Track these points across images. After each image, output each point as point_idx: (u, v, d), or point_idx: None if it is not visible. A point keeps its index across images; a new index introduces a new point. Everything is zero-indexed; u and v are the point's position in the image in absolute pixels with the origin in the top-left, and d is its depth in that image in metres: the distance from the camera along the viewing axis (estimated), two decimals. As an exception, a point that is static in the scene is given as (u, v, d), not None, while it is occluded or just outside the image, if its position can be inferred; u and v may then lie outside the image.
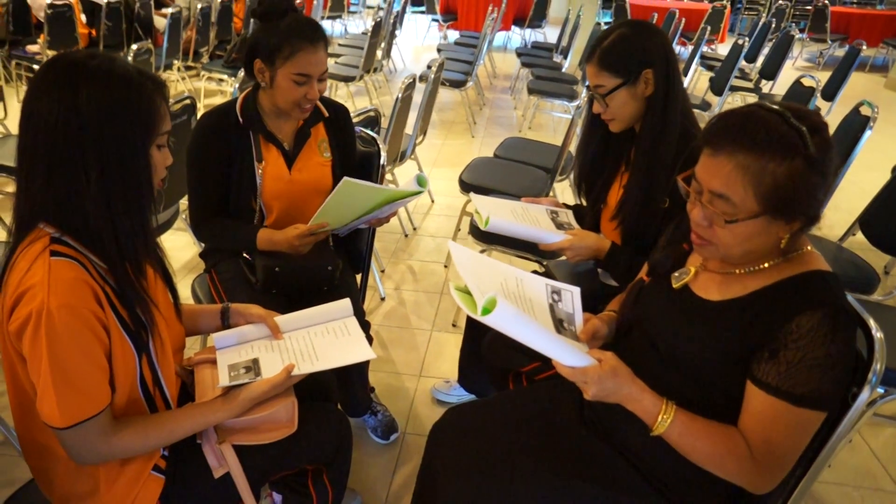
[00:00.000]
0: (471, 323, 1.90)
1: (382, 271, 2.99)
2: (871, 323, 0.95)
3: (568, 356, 0.99)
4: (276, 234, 1.61)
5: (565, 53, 6.27)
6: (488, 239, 2.37)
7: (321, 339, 1.28)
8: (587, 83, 1.51)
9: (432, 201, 3.81)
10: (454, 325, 2.57)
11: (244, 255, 1.68)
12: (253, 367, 1.18)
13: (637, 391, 1.00)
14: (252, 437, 1.14)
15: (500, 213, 1.53)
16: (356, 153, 1.85)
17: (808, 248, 1.00)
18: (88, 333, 0.91)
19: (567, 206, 1.74)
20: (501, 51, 9.27)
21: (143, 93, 0.94)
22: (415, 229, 3.45)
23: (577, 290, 1.15)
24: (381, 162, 1.89)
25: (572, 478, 1.09)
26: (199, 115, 1.84)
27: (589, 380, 0.98)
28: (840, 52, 8.50)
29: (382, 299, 2.75)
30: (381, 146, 1.89)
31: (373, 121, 2.38)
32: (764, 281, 0.99)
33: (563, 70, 5.90)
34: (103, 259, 0.97)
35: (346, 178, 1.47)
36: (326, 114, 1.73)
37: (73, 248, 0.94)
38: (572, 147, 3.01)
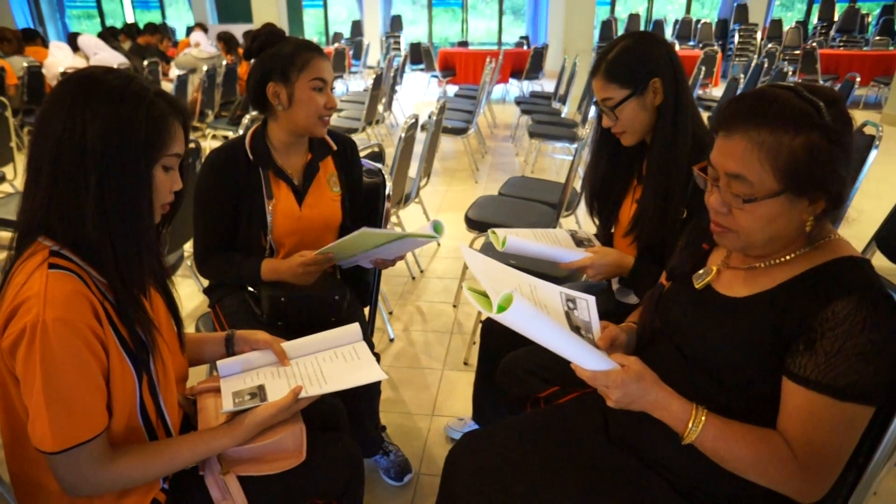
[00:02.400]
0: (484, 355, 1.84)
1: (391, 313, 2.94)
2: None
3: (589, 358, 0.94)
4: (281, 263, 1.57)
5: (563, 100, 6.39)
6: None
7: (330, 363, 1.22)
8: (594, 99, 1.50)
9: (438, 244, 3.79)
10: (466, 364, 2.49)
11: (249, 288, 1.64)
12: (258, 392, 1.12)
13: (664, 396, 0.94)
14: (258, 467, 1.07)
15: (519, 235, 1.50)
16: (363, 187, 1.83)
17: (836, 236, 0.95)
18: (85, 351, 0.87)
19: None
20: (500, 103, 9.47)
21: (152, 111, 0.92)
22: (422, 272, 3.41)
23: (592, 299, 1.09)
24: (387, 192, 1.87)
25: (600, 495, 1.01)
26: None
27: (612, 384, 0.92)
28: (833, 91, 8.65)
29: (391, 340, 2.69)
30: (385, 176, 1.88)
31: (376, 156, 2.39)
32: (792, 271, 0.94)
33: (563, 115, 6.00)
34: (103, 274, 0.93)
35: (364, 228, 1.45)
36: (335, 147, 1.72)
37: (72, 261, 0.90)
38: (576, 183, 3.02)
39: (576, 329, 1.04)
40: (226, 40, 6.96)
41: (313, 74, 1.52)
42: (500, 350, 1.70)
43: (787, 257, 0.95)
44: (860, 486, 0.92)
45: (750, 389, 0.94)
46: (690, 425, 0.91)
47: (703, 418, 0.91)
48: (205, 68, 5.86)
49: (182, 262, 2.57)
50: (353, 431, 1.70)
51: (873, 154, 2.48)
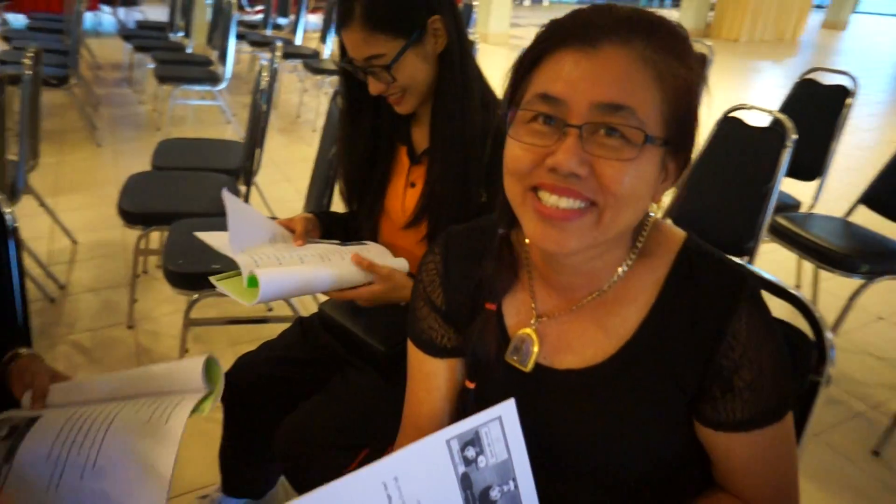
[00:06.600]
0: (232, 409, 1.33)
1: (34, 364, 2.05)
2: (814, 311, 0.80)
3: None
4: None
5: (186, 32, 5.41)
6: (199, 284, 1.74)
7: None
8: (346, 59, 1.07)
9: (74, 242, 2.81)
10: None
11: None
12: None
13: None
14: None
15: (265, 261, 1.02)
16: None
17: (653, 216, 0.72)
18: None
19: (327, 214, 1.31)
20: (94, 37, 7.65)
21: None
22: (62, 288, 2.48)
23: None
24: None
25: None
26: None
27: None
28: None
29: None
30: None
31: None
32: (642, 296, 0.69)
33: (189, 51, 5.08)
34: None
35: None
36: None
37: None
38: (231, 135, 2.48)
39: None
40: None
41: None
42: (255, 396, 1.25)
43: (619, 271, 0.69)
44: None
45: (672, 477, 0.72)
46: None
47: None
48: None
49: None
50: None
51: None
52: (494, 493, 0.63)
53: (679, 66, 0.60)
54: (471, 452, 0.61)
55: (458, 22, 1.08)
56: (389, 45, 1.02)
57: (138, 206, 2.08)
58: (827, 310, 2.57)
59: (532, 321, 0.74)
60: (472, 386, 0.76)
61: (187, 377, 0.78)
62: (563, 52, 0.60)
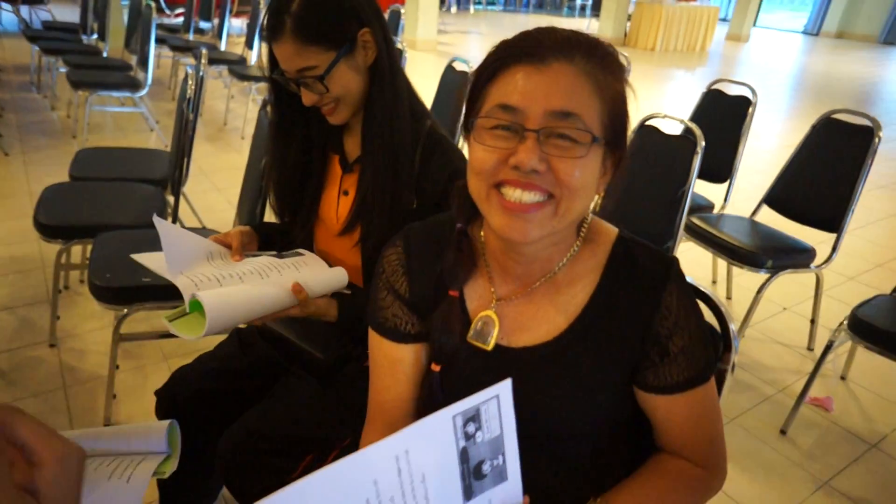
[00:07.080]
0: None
1: (-57, 390, 1.92)
2: (715, 298, 0.89)
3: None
4: None
5: (101, 34, 5.17)
6: (128, 298, 1.70)
7: None
8: (277, 71, 1.08)
9: None
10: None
11: None
12: None
13: None
14: None
15: (205, 283, 1.02)
16: None
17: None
18: None
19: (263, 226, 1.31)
20: (-6, 36, 7.18)
21: None
22: (-28, 307, 2.33)
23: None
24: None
25: None
26: None
27: None
28: None
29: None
30: None
31: None
32: (586, 277, 0.79)
33: (105, 55, 4.86)
34: None
35: None
36: None
37: None
38: (154, 144, 2.42)
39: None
40: None
41: None
42: (194, 410, 1.23)
43: (567, 255, 0.79)
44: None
45: (621, 433, 0.82)
46: None
47: None
48: None
49: None
50: None
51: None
52: (486, 468, 0.68)
53: (613, 79, 0.71)
54: (471, 428, 0.66)
55: (387, 34, 1.12)
56: (321, 57, 1.05)
57: (58, 219, 1.99)
58: (740, 302, 2.78)
59: (492, 304, 0.81)
60: (437, 369, 0.82)
61: (148, 439, 0.77)
62: (517, 68, 0.69)
